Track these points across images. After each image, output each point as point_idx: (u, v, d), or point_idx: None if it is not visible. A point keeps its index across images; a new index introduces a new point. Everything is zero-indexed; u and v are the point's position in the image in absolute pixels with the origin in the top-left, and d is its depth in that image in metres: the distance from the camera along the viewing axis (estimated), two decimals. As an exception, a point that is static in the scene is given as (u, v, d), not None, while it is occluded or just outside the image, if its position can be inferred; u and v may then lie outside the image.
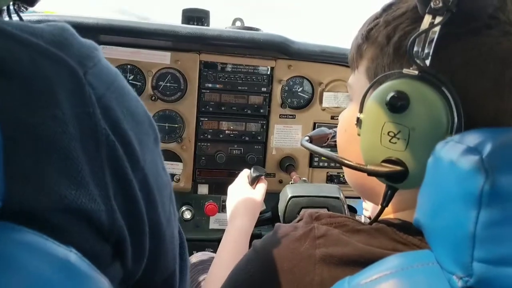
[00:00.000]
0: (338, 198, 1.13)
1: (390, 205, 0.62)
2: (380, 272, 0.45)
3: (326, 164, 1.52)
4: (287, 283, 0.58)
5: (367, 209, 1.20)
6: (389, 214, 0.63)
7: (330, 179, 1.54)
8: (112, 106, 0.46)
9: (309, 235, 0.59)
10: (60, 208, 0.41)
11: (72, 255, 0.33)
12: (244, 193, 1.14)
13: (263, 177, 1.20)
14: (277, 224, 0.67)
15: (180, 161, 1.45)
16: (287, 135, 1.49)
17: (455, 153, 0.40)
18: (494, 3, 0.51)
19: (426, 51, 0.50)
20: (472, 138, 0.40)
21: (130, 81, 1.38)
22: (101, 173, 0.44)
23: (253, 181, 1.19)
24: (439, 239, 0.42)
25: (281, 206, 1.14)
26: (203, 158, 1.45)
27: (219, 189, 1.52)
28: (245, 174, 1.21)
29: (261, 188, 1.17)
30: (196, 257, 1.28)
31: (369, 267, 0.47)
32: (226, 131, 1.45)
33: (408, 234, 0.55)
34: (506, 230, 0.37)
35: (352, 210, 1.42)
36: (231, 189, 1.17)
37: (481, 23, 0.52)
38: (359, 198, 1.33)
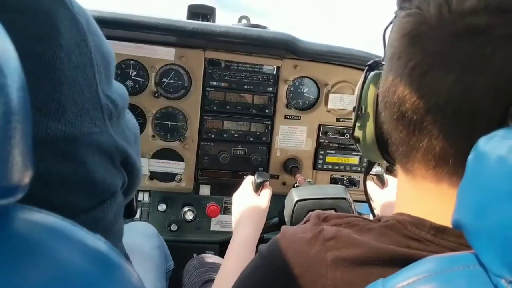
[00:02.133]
0: (345, 198, 1.11)
1: (397, 202, 0.63)
2: (417, 274, 0.42)
3: (330, 167, 1.50)
4: None
5: (375, 208, 1.18)
6: (398, 210, 0.61)
7: (334, 181, 1.51)
8: (97, 33, 0.50)
9: (318, 238, 0.56)
10: (74, 137, 0.45)
11: (101, 244, 0.31)
12: (249, 201, 1.12)
13: (267, 182, 1.18)
14: (283, 226, 0.64)
15: (182, 160, 1.41)
16: (292, 136, 1.46)
17: (503, 149, 0.37)
18: None
19: None
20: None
21: (133, 77, 1.35)
22: (98, 98, 0.48)
23: (258, 187, 1.16)
24: (486, 239, 0.39)
25: (287, 210, 1.11)
26: (206, 158, 1.42)
27: (222, 190, 1.49)
28: (249, 181, 1.18)
29: (266, 194, 1.15)
30: (197, 259, 1.24)
31: (404, 269, 0.44)
32: (230, 131, 1.42)
33: (421, 230, 0.53)
34: None
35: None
36: (236, 197, 1.15)
37: None
38: (364, 201, 1.31)
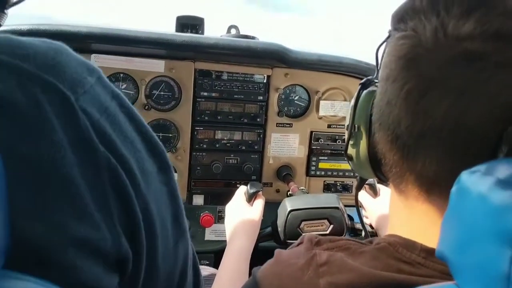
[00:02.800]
0: (337, 208, 1.12)
1: (390, 221, 0.64)
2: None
3: (323, 173, 1.50)
4: None
5: (367, 217, 1.19)
6: (390, 230, 0.62)
7: (327, 187, 1.52)
8: (107, 131, 0.44)
9: (311, 263, 0.57)
10: (66, 241, 0.40)
11: None
12: (241, 212, 1.12)
13: (260, 192, 1.18)
14: (276, 250, 0.64)
15: (175, 171, 1.41)
16: (284, 144, 1.47)
17: (484, 185, 0.38)
18: None
19: None
20: (501, 170, 0.38)
21: (123, 90, 1.35)
22: (104, 198, 0.43)
23: (251, 198, 1.16)
24: (468, 276, 0.39)
25: (280, 220, 1.12)
26: (199, 168, 1.42)
27: (215, 199, 1.49)
28: (241, 192, 1.18)
29: (259, 204, 1.15)
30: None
31: None
32: (222, 141, 1.42)
33: (411, 252, 0.54)
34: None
35: (350, 218, 1.42)
36: (228, 208, 1.15)
37: None
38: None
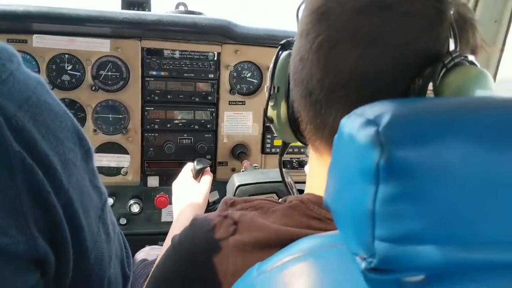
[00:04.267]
0: (287, 184, 1.11)
1: (307, 182, 0.64)
2: (288, 255, 0.43)
3: (278, 150, 1.50)
4: (203, 276, 0.55)
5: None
6: (307, 190, 0.62)
7: (283, 164, 1.51)
8: (25, 127, 0.41)
9: (223, 223, 0.57)
10: None
11: None
12: (188, 188, 1.11)
13: (208, 169, 1.17)
14: (195, 214, 0.64)
15: (127, 153, 1.39)
16: (238, 122, 1.46)
17: (354, 126, 0.37)
18: None
19: None
20: (373, 110, 0.37)
21: (69, 71, 1.31)
22: (18, 202, 0.40)
23: (197, 174, 1.15)
24: (342, 219, 0.39)
25: (228, 195, 1.11)
26: (151, 149, 1.40)
27: (170, 180, 1.45)
28: (188, 168, 1.17)
29: (206, 181, 1.14)
30: (143, 252, 1.24)
31: (279, 252, 0.45)
32: (174, 121, 1.40)
33: (322, 209, 0.54)
34: (405, 206, 0.35)
35: (300, 193, 1.42)
36: (175, 185, 1.14)
37: None
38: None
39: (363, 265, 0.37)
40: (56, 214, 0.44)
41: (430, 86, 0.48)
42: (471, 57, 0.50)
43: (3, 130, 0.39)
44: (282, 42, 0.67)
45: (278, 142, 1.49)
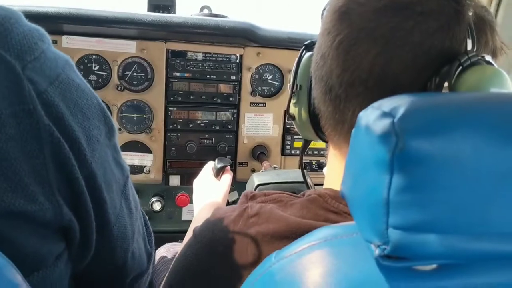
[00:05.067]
0: (305, 182, 1.12)
1: (326, 177, 0.65)
2: (305, 243, 0.44)
3: (298, 152, 1.51)
4: (222, 266, 0.57)
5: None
6: (325, 185, 0.63)
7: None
8: (55, 102, 0.44)
9: (243, 215, 0.58)
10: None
11: None
12: (208, 186, 1.13)
13: (228, 167, 1.19)
14: (216, 207, 0.66)
15: (150, 152, 1.43)
16: (258, 124, 1.48)
17: (371, 118, 0.39)
18: None
19: None
20: (389, 103, 0.39)
21: (95, 72, 1.36)
22: (44, 171, 0.43)
23: (218, 173, 1.17)
24: (358, 208, 0.40)
25: (248, 194, 1.13)
26: (173, 148, 1.43)
27: (191, 179, 1.48)
28: (209, 166, 1.20)
29: (226, 179, 1.16)
30: (164, 248, 1.26)
31: (297, 240, 0.46)
32: (196, 121, 1.43)
33: (340, 203, 0.55)
34: (418, 195, 0.36)
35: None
36: (196, 183, 1.16)
37: None
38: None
39: (377, 252, 0.38)
40: (80, 186, 0.47)
41: (447, 84, 0.49)
42: (488, 57, 0.51)
43: (35, 103, 0.41)
44: (306, 42, 0.70)
45: (298, 144, 1.51)
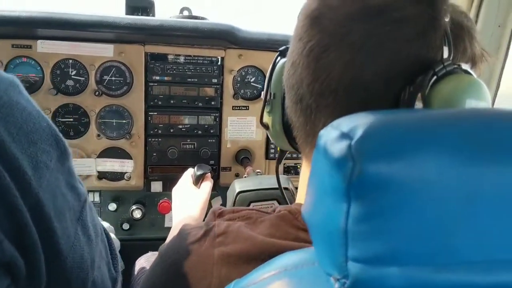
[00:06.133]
0: (287, 189, 1.09)
1: (298, 191, 0.62)
2: (265, 272, 0.41)
3: (283, 156, 1.48)
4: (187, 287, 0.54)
5: None
6: (297, 200, 0.61)
7: (287, 170, 1.50)
8: None
9: (209, 234, 0.55)
10: None
11: None
12: (187, 194, 1.10)
13: (208, 175, 1.16)
14: (183, 224, 0.63)
15: (130, 158, 1.39)
16: (242, 127, 1.44)
17: (329, 139, 0.36)
18: None
19: None
20: (348, 122, 0.35)
21: (73, 77, 1.32)
22: None
23: (198, 180, 1.14)
24: (317, 236, 0.37)
25: (229, 202, 1.10)
26: (154, 154, 1.40)
27: (173, 185, 1.45)
28: (188, 174, 1.16)
29: (206, 187, 1.13)
30: (145, 258, 1.23)
31: (258, 268, 0.43)
32: (178, 125, 1.40)
33: None
34: (379, 224, 0.33)
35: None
36: (175, 191, 1.13)
37: None
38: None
39: (336, 286, 0.35)
40: (23, 218, 0.43)
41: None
42: (466, 66, 0.48)
43: None
44: (281, 48, 0.67)
45: (282, 148, 1.47)
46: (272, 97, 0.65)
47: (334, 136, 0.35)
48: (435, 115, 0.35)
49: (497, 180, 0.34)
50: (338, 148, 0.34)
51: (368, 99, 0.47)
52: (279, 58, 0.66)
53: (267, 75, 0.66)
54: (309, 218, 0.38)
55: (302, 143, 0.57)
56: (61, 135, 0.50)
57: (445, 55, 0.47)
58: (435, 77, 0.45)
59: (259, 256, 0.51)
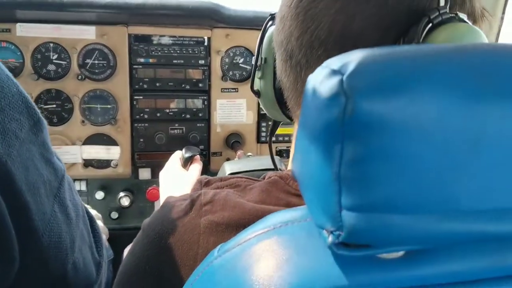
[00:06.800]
0: (279, 169, 1.06)
1: (290, 156, 0.59)
2: (250, 233, 0.37)
3: (274, 139, 1.44)
4: (172, 261, 0.50)
5: None
6: (289, 165, 0.58)
7: (279, 153, 1.46)
8: None
9: (195, 203, 0.52)
10: None
11: None
12: (176, 177, 1.06)
13: (197, 157, 1.12)
14: (167, 196, 0.59)
15: (117, 144, 1.35)
16: (231, 110, 1.40)
17: (318, 79, 0.32)
18: None
19: None
20: (339, 60, 0.32)
21: (54, 61, 1.27)
22: None
23: (186, 163, 1.10)
24: (307, 188, 0.34)
25: (219, 184, 1.06)
26: (141, 140, 1.35)
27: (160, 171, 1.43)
28: (176, 157, 1.12)
29: (195, 169, 1.09)
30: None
31: (244, 230, 0.39)
32: (165, 110, 1.35)
33: None
34: (375, 167, 0.29)
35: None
36: (162, 174, 1.09)
37: None
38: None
39: (330, 239, 0.31)
40: None
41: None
42: (463, 16, 0.44)
43: None
44: (272, 13, 0.63)
45: (273, 130, 1.44)
46: (263, 62, 0.62)
47: (324, 75, 0.31)
48: (436, 49, 0.32)
49: (504, 120, 0.30)
50: (328, 85, 0.30)
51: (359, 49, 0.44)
52: (270, 22, 0.63)
53: (258, 39, 0.64)
54: (299, 171, 0.35)
55: (293, 105, 0.55)
56: (34, 104, 0.46)
57: (442, 3, 0.44)
58: (430, 25, 0.42)
59: (249, 223, 0.48)
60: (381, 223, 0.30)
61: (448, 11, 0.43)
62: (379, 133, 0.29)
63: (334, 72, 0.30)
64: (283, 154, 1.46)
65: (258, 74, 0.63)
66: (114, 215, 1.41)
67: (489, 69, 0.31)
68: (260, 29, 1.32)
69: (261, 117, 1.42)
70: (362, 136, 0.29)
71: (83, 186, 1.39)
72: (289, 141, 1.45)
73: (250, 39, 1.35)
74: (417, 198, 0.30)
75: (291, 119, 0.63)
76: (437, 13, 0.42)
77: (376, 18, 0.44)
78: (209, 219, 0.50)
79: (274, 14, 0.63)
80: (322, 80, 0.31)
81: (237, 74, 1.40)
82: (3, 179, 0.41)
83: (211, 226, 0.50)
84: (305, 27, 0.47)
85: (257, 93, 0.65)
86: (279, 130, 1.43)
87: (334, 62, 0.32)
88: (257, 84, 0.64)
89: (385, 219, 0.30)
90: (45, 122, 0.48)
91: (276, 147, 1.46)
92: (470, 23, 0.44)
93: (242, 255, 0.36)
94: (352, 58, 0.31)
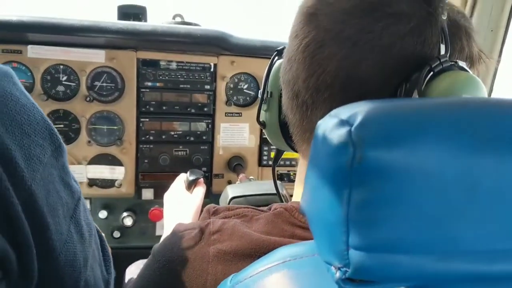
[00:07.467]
0: (281, 195, 1.09)
1: (295, 189, 0.62)
2: (263, 265, 0.40)
3: (275, 163, 1.47)
4: (181, 286, 0.53)
5: None
6: (294, 198, 0.60)
7: (280, 177, 1.49)
8: None
9: (204, 232, 0.54)
10: None
11: None
12: (180, 200, 1.08)
13: (201, 180, 1.15)
14: (177, 223, 0.62)
15: (121, 165, 1.37)
16: (234, 134, 1.44)
17: (328, 127, 0.35)
18: None
19: None
20: (347, 110, 0.35)
21: (63, 82, 1.31)
22: None
23: (190, 185, 1.12)
24: (316, 226, 0.37)
25: (222, 208, 1.08)
26: (146, 161, 1.38)
27: (165, 193, 1.45)
28: (181, 179, 1.15)
29: (199, 192, 1.11)
30: (135, 266, 1.21)
31: (256, 261, 0.42)
32: (170, 132, 1.39)
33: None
34: (380, 211, 0.32)
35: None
36: (167, 196, 1.11)
37: None
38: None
39: (337, 275, 0.34)
40: (15, 211, 0.42)
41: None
42: (462, 64, 0.48)
43: None
44: (278, 48, 0.67)
45: (275, 154, 1.47)
46: (269, 96, 0.65)
47: (333, 124, 0.35)
48: (435, 103, 0.35)
49: (497, 170, 0.34)
50: (337, 134, 0.33)
51: (364, 95, 0.47)
52: (276, 57, 0.67)
53: (264, 73, 0.67)
54: (309, 208, 0.38)
55: (298, 140, 0.57)
56: (56, 130, 0.50)
57: (442, 52, 0.47)
58: (431, 73, 0.45)
59: (255, 253, 0.51)
60: (385, 261, 0.33)
61: (448, 59, 0.46)
62: (384, 180, 0.32)
63: (343, 123, 0.34)
64: (284, 178, 1.49)
65: (264, 106, 0.67)
66: (116, 234, 1.42)
67: (483, 123, 0.34)
68: (264, 57, 1.37)
69: (263, 141, 1.46)
70: (369, 182, 0.32)
71: (87, 205, 1.40)
72: (290, 165, 1.48)
73: (254, 66, 1.39)
74: (419, 239, 0.33)
75: (295, 150, 0.65)
76: (438, 62, 0.45)
77: (380, 65, 0.46)
78: (218, 248, 0.53)
79: (281, 49, 0.67)
80: (332, 129, 0.34)
81: (241, 99, 1.43)
82: (28, 202, 0.43)
83: (219, 255, 0.52)
84: (311, 70, 0.50)
85: (263, 124, 0.68)
86: (281, 154, 1.46)
87: (342, 112, 0.35)
88: (263, 116, 0.68)
89: (389, 258, 0.32)
90: (65, 147, 0.51)
91: (277, 171, 1.49)
92: (468, 69, 0.48)
93: (255, 286, 0.39)
94: (359, 110, 0.34)
